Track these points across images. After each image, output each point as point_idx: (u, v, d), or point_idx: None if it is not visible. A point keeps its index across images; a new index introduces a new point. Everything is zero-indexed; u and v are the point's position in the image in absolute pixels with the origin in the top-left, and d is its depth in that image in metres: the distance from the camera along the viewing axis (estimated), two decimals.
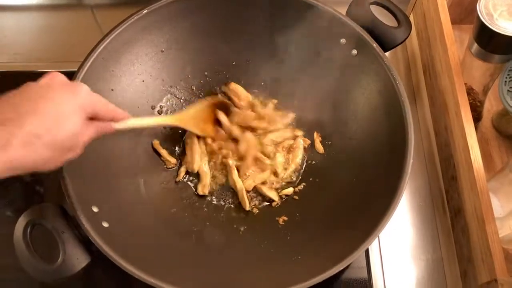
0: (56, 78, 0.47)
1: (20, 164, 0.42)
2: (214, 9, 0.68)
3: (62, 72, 0.75)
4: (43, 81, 0.47)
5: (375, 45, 0.63)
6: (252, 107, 0.72)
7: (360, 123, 0.67)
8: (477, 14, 0.58)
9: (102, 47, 0.62)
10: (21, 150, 0.41)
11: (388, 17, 0.67)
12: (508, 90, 0.60)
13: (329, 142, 0.70)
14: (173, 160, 0.69)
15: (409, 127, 0.58)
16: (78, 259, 0.53)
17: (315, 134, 0.71)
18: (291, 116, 0.71)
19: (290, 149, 0.70)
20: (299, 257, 0.58)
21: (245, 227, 0.65)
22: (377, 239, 0.67)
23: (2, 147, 0.40)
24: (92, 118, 0.49)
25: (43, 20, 0.87)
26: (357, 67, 0.66)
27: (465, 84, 0.69)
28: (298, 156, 0.70)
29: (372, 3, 0.66)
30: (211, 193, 0.68)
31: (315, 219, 0.64)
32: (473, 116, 0.67)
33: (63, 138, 0.45)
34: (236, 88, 0.72)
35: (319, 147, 0.70)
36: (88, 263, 0.53)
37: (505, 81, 0.60)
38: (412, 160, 0.56)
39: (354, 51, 0.65)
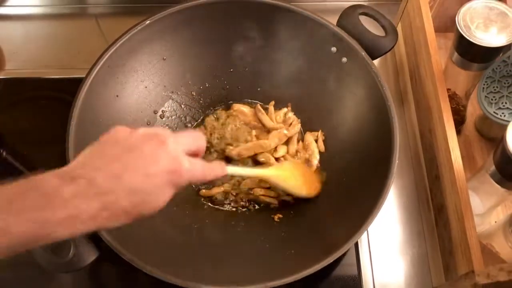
0: (163, 145, 0.43)
1: (95, 229, 0.41)
2: (212, 20, 0.71)
3: (69, 79, 0.82)
4: (149, 144, 0.43)
5: (363, 53, 0.66)
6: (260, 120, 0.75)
7: (350, 126, 0.70)
8: (456, 25, 0.62)
9: (107, 55, 0.65)
10: (104, 221, 0.41)
11: (376, 27, 0.70)
12: (485, 96, 0.64)
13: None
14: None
15: (395, 130, 0.61)
16: (88, 254, 0.56)
17: (320, 132, 0.74)
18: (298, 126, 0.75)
19: (305, 148, 0.73)
20: (292, 251, 0.62)
21: (243, 224, 0.69)
22: (366, 236, 0.71)
23: (90, 218, 0.39)
24: None
25: (49, 29, 0.90)
26: (347, 73, 0.69)
27: (449, 89, 0.73)
28: (315, 151, 0.72)
29: (361, 14, 0.69)
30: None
31: (308, 216, 0.68)
32: (456, 119, 0.71)
33: (147, 213, 0.44)
34: (239, 108, 0.76)
35: (321, 146, 0.73)
36: (97, 257, 0.56)
37: (483, 88, 0.65)
38: (397, 161, 0.59)
39: (344, 59, 0.69)
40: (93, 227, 0.41)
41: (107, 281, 0.68)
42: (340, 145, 0.71)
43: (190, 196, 0.71)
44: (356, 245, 0.70)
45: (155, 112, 0.74)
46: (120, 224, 0.43)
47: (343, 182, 0.68)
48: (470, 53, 0.64)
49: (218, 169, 0.51)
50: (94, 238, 0.56)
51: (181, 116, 0.76)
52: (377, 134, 0.64)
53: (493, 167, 0.58)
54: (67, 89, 0.80)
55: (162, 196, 0.44)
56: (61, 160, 0.57)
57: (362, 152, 0.67)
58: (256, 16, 0.71)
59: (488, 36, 0.61)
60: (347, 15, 0.69)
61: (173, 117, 0.75)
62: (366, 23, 0.69)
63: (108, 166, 0.41)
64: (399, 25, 0.85)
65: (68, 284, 0.68)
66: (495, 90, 0.64)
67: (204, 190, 0.71)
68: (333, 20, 0.70)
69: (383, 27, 0.70)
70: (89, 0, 0.91)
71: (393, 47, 0.69)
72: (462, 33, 0.62)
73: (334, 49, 0.69)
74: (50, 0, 0.91)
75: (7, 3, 0.91)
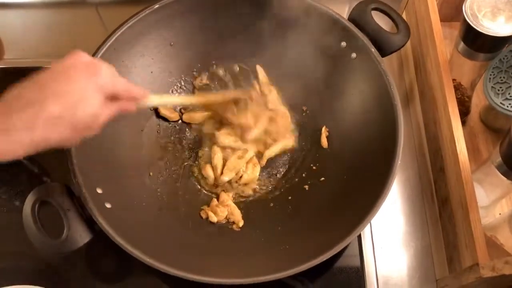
0: (79, 58, 0.49)
1: (42, 143, 0.45)
2: (222, 8, 0.70)
3: None
4: (68, 60, 0.48)
5: (373, 50, 0.65)
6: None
7: (354, 122, 0.69)
8: (463, 14, 0.61)
9: (114, 38, 0.65)
10: (44, 130, 0.44)
11: (388, 22, 0.69)
12: (492, 87, 0.63)
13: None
14: (174, 114, 0.73)
15: (400, 129, 0.60)
16: (81, 236, 0.56)
17: (323, 128, 0.72)
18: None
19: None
20: (287, 246, 0.61)
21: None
22: (369, 228, 0.70)
23: (28, 129, 0.44)
24: (113, 98, 0.51)
25: (49, 17, 0.89)
26: (355, 70, 0.68)
27: (454, 80, 0.72)
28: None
29: (373, 9, 0.68)
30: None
31: (307, 211, 0.67)
32: (461, 110, 0.70)
33: (83, 118, 0.47)
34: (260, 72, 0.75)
35: (324, 142, 0.72)
36: (90, 240, 0.56)
37: (489, 78, 0.64)
38: (400, 162, 0.59)
39: (354, 55, 0.68)
40: (33, 140, 0.44)
41: (101, 264, 0.68)
42: (343, 141, 0.70)
43: (188, 187, 0.71)
44: (359, 236, 0.69)
45: None
46: (66, 137, 0.46)
47: (345, 177, 0.67)
48: (476, 42, 0.63)
49: (139, 89, 0.55)
50: (88, 221, 0.56)
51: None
52: (381, 131, 0.64)
53: (499, 159, 0.57)
54: None
55: (91, 100, 0.48)
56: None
57: (365, 148, 0.66)
58: (265, 5, 0.69)
59: (495, 25, 0.60)
60: (359, 10, 0.68)
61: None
62: (377, 18, 0.68)
63: (34, 83, 0.46)
64: (404, 14, 0.84)
65: (63, 271, 0.68)
66: (502, 80, 0.63)
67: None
68: (339, 9, 0.69)
69: (395, 23, 0.68)
70: None
71: (404, 45, 0.67)
72: (469, 22, 0.60)
73: (344, 44, 0.68)
74: None
75: None
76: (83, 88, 0.47)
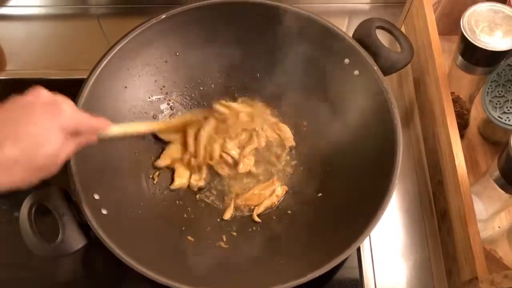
0: (39, 96, 0.46)
1: None
2: (226, 21, 0.71)
3: (70, 80, 0.81)
4: (26, 98, 0.46)
5: (376, 68, 0.65)
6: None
7: (355, 137, 0.69)
8: (461, 29, 0.62)
9: (120, 46, 0.65)
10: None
11: (391, 39, 0.70)
12: (490, 100, 0.64)
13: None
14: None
15: (399, 148, 0.60)
16: (76, 241, 0.56)
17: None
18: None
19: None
20: (285, 260, 0.61)
21: (235, 228, 0.68)
22: (368, 240, 0.70)
23: None
24: (74, 133, 0.49)
25: (51, 29, 0.89)
26: (357, 86, 0.68)
27: (453, 93, 0.72)
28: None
29: (378, 28, 0.68)
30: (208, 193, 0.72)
31: (305, 224, 0.67)
32: (460, 123, 0.70)
33: (41, 160, 0.45)
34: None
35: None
36: (85, 245, 0.56)
37: (487, 92, 0.64)
38: (397, 182, 0.59)
39: (356, 72, 0.68)
40: None
41: (95, 270, 0.68)
42: (342, 155, 0.70)
43: (185, 198, 0.71)
44: (358, 248, 0.69)
45: (163, 106, 0.74)
46: (19, 180, 0.44)
47: (344, 190, 0.67)
48: (474, 57, 0.63)
49: (101, 121, 0.54)
50: (83, 226, 0.56)
51: (189, 112, 0.75)
52: (380, 148, 0.63)
53: (497, 172, 0.57)
54: (69, 90, 0.79)
55: (52, 141, 0.45)
56: None
57: (364, 163, 0.66)
58: (272, 21, 0.69)
59: (493, 40, 0.61)
60: (364, 28, 0.68)
61: (181, 114, 0.75)
62: (381, 36, 0.68)
63: None
64: (403, 27, 0.84)
65: (59, 278, 0.68)
66: (499, 94, 0.64)
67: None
68: (338, 23, 0.69)
69: (399, 42, 0.68)
70: (91, 1, 0.91)
71: (407, 64, 0.67)
72: (467, 36, 0.61)
73: (347, 60, 0.68)
74: (51, 1, 0.91)
75: (9, 3, 0.91)
76: (44, 129, 0.45)
